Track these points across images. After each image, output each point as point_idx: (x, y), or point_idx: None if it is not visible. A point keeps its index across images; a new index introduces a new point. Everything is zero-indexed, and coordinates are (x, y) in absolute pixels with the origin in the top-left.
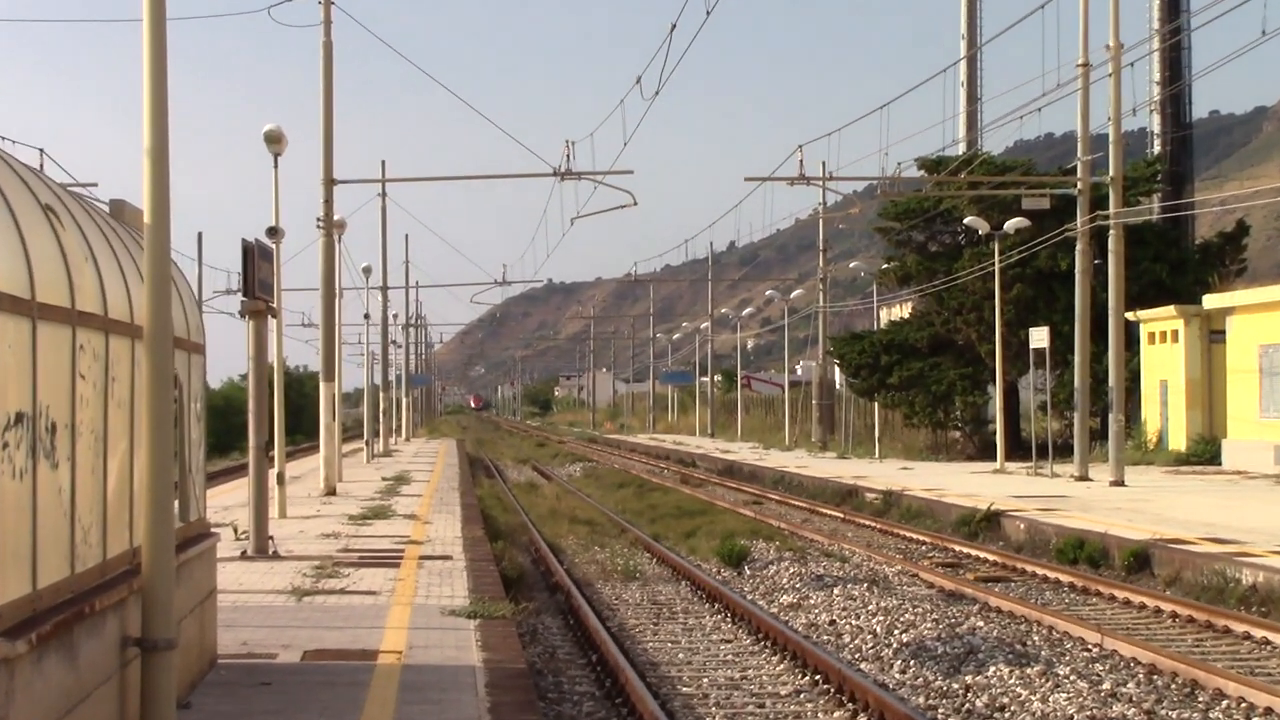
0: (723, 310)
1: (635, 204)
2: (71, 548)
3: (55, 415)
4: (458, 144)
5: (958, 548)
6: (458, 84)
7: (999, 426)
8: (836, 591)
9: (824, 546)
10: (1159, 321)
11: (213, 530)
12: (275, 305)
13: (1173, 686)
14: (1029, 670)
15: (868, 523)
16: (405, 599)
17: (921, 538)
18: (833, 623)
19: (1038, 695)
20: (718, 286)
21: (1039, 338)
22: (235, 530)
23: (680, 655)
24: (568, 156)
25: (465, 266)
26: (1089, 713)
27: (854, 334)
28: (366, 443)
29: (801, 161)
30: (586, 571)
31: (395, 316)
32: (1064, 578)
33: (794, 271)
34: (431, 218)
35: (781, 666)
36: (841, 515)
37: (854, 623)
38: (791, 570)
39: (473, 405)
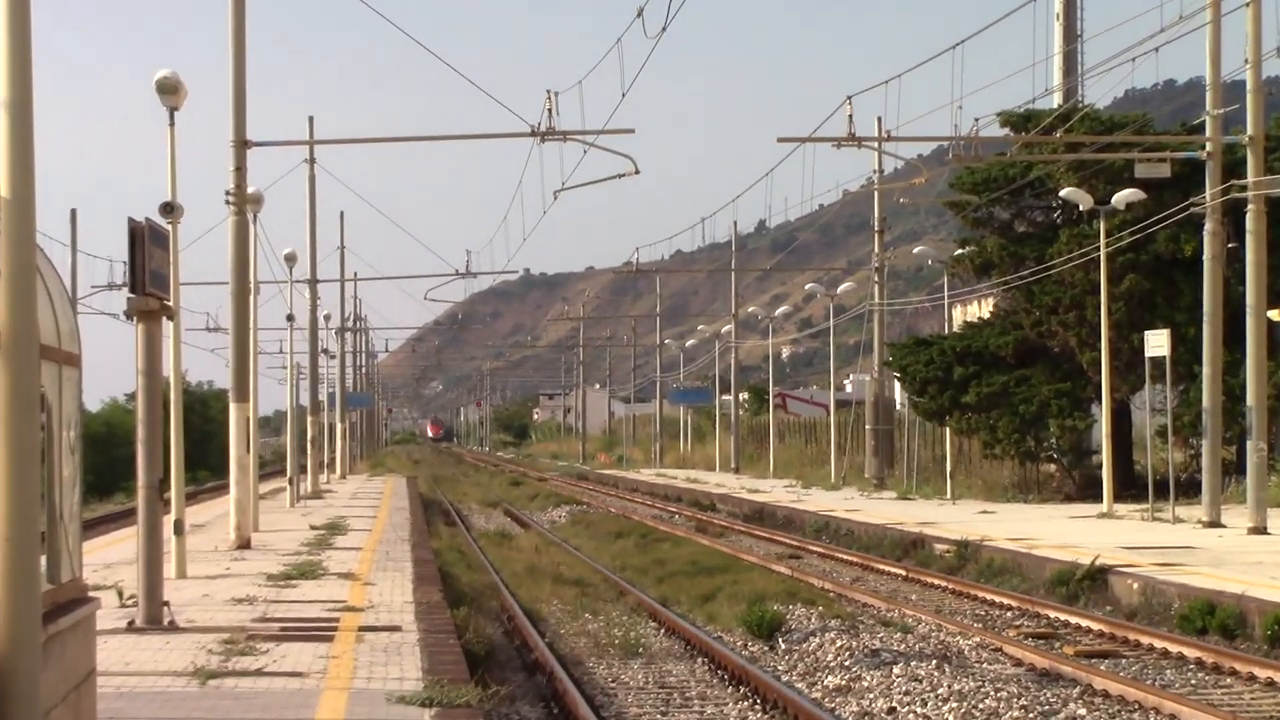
0: (750, 309)
1: (637, 172)
2: None
3: None
4: (408, 98)
5: (1053, 614)
6: (404, 17)
7: (1106, 458)
8: (897, 671)
9: (880, 613)
10: None
11: (91, 595)
12: (172, 304)
13: None
14: None
15: (937, 582)
16: (341, 682)
17: (1006, 601)
18: (892, 711)
19: None
20: (743, 279)
21: (1157, 344)
22: (120, 594)
23: None
24: (549, 111)
25: (418, 254)
26: None
27: (919, 339)
28: (290, 481)
29: (851, 117)
30: (575, 646)
31: (328, 318)
32: (1190, 652)
33: (841, 259)
34: (375, 193)
35: None
36: (903, 572)
37: (919, 710)
38: (839, 643)
39: (430, 434)
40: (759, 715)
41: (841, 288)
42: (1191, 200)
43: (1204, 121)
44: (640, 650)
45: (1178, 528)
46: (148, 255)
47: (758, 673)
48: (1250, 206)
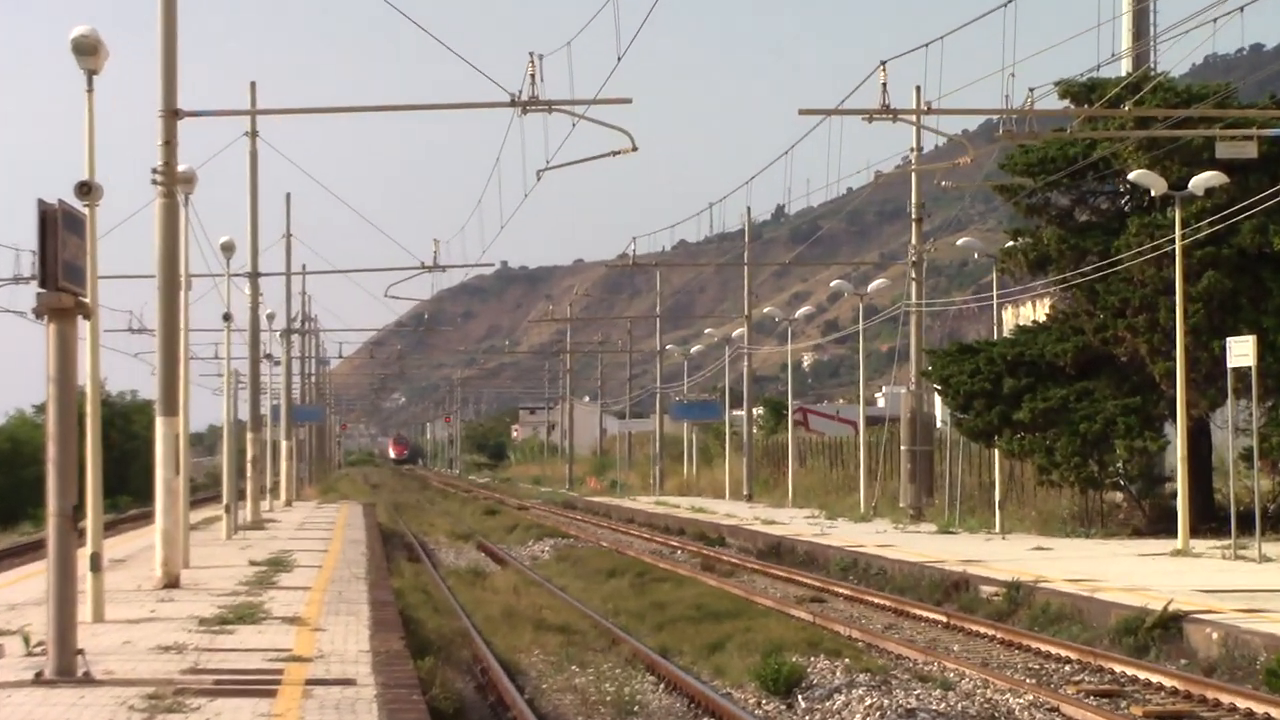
0: (765, 309)
1: (634, 149)
2: None
3: None
4: (368, 65)
5: (1118, 668)
6: None
7: (1181, 485)
8: None
9: (917, 666)
10: None
11: None
12: (89, 300)
13: None
14: None
15: (983, 630)
16: None
17: (1064, 653)
18: None
19: None
20: (758, 274)
21: (1241, 352)
22: (26, 640)
23: None
24: (532, 77)
25: (378, 244)
26: None
27: (963, 346)
28: (227, 509)
29: (885, 86)
30: (559, 703)
31: (271, 317)
32: (1278, 713)
33: (872, 252)
34: (329, 174)
35: None
36: (944, 619)
37: None
38: (868, 702)
39: (392, 454)
40: None
41: (873, 285)
42: None
43: None
44: (636, 709)
45: (1265, 568)
46: (60, 243)
47: None
48: None
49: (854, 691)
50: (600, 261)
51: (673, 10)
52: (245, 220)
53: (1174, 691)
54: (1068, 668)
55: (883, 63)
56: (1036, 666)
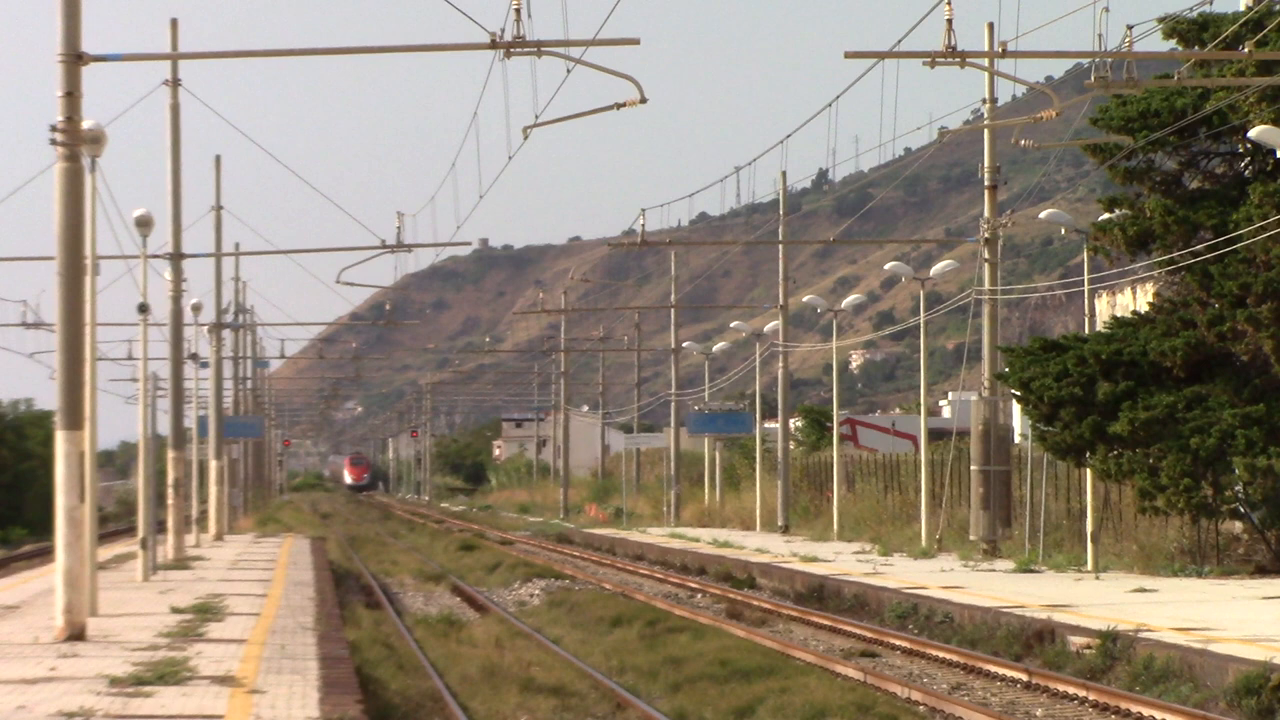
0: (805, 298)
1: (643, 101)
2: None
3: None
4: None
5: None
6: None
7: None
8: None
9: None
10: None
11: None
12: None
13: None
14: None
15: (1072, 690)
16: None
17: (1171, 718)
18: None
19: None
20: (795, 255)
21: None
22: None
23: None
24: (517, 13)
25: (329, 218)
26: None
27: (1047, 342)
28: (144, 544)
29: (950, 23)
30: None
31: (197, 309)
32: None
33: (935, 226)
34: (269, 134)
35: None
36: (1024, 677)
37: None
38: None
39: (349, 478)
40: None
41: (936, 268)
42: None
43: None
44: None
45: None
46: None
47: None
48: None
49: None
50: (601, 240)
51: None
52: (166, 190)
53: None
54: None
55: None
56: None
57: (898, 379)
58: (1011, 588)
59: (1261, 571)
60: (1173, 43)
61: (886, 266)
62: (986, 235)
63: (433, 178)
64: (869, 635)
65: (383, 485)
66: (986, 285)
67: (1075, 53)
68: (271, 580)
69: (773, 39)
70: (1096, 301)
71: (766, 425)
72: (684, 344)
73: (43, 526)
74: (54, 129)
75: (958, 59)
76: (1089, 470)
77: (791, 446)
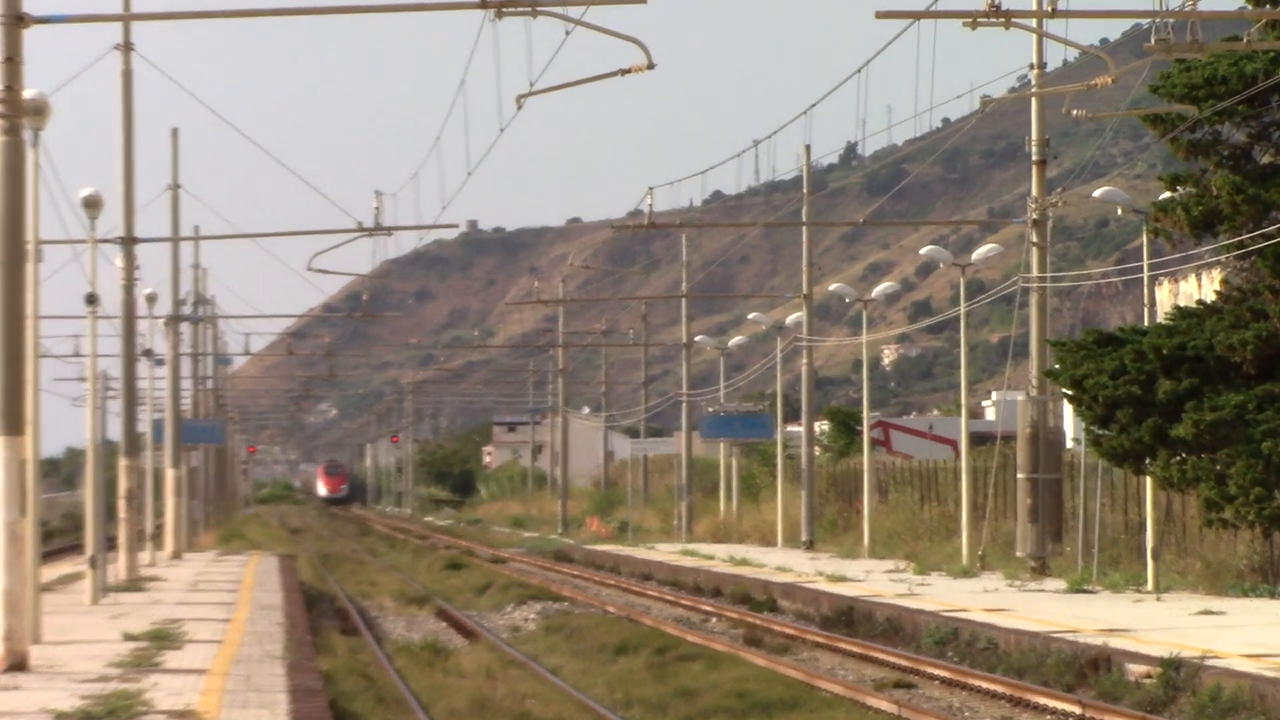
0: (832, 287)
1: (650, 66)
2: None
3: None
4: None
5: None
6: None
7: None
8: None
9: None
10: None
11: None
12: None
13: None
14: None
15: None
16: None
17: None
18: None
19: None
20: (822, 238)
21: None
22: None
23: None
24: None
25: (299, 198)
26: None
27: (1102, 335)
28: (93, 563)
29: None
30: None
31: (153, 300)
32: None
33: (977, 206)
34: (233, 105)
35: None
36: (1077, 709)
37: None
38: None
39: (324, 489)
40: None
41: (979, 253)
42: None
43: None
44: None
45: None
46: None
47: None
48: None
49: None
50: (604, 222)
51: None
52: (117, 167)
53: None
54: None
55: None
56: None
57: (935, 377)
58: (1063, 610)
59: None
60: (1242, 1)
61: (922, 251)
62: (1034, 216)
63: (415, 153)
64: (904, 664)
65: (364, 499)
66: (1034, 272)
67: (1133, 12)
68: (235, 603)
69: None
70: (1157, 290)
71: (789, 429)
72: (697, 338)
73: None
74: None
75: (1002, 19)
76: (1149, 478)
77: (817, 453)
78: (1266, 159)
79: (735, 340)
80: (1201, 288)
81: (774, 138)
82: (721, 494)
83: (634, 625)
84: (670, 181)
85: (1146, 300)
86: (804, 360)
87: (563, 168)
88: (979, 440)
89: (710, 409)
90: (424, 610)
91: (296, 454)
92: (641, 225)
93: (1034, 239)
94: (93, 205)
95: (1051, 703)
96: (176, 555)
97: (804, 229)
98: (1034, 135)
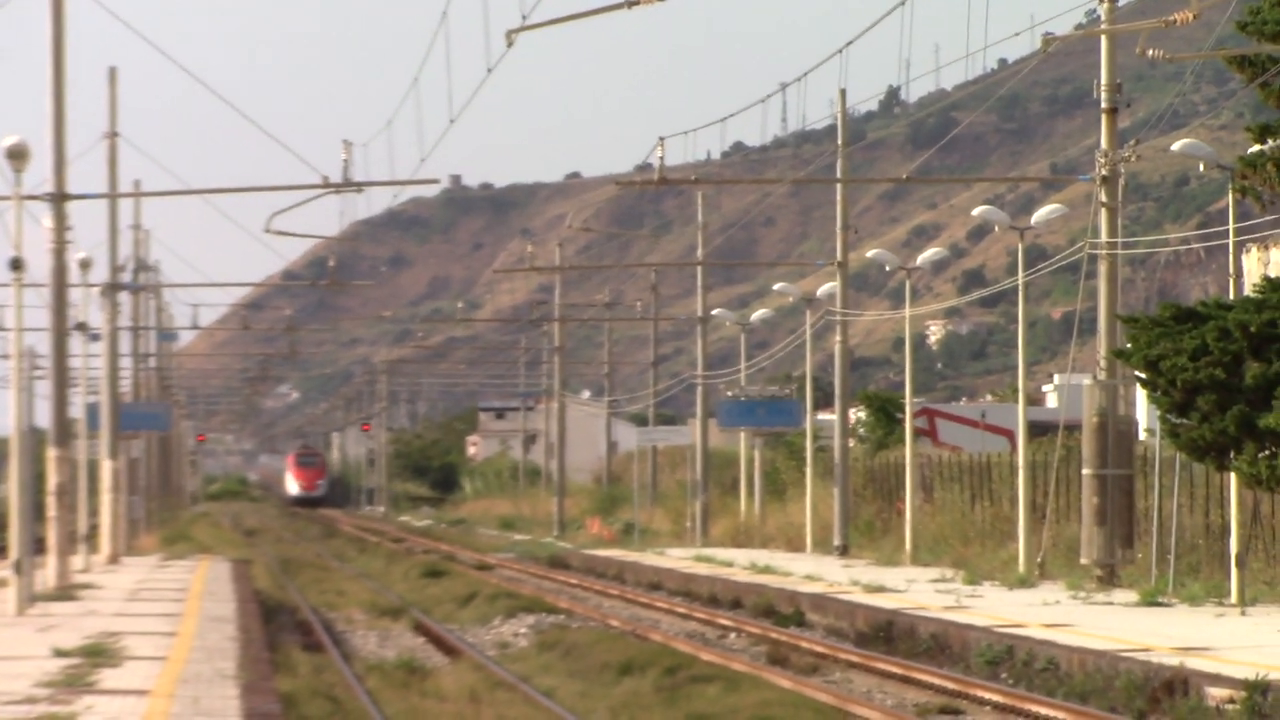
0: (870, 253)
1: None
2: None
3: None
4: None
5: None
6: None
7: None
8: None
9: None
10: None
11: None
12: None
13: None
14: None
15: None
16: None
17: None
18: None
19: None
20: (859, 197)
21: None
22: None
23: None
24: None
25: (255, 149)
26: None
27: (1181, 310)
28: (18, 568)
29: None
30: None
31: (87, 265)
32: None
33: (1038, 160)
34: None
35: None
36: None
37: None
38: None
39: (296, 487)
40: None
41: (1039, 214)
42: None
43: None
44: None
45: None
46: None
47: None
48: None
49: None
50: (608, 177)
51: None
52: (46, 113)
53: None
54: None
55: None
56: None
57: (988, 357)
58: (1133, 625)
59: None
60: None
61: (975, 212)
62: (1104, 173)
63: (390, 98)
64: (951, 687)
65: (343, 497)
66: (1104, 237)
67: None
68: (182, 615)
69: None
70: (1244, 258)
71: (820, 417)
72: (714, 311)
73: None
74: None
75: None
76: (1234, 475)
77: (852, 444)
78: None
79: (758, 314)
80: None
81: (804, 80)
82: (742, 491)
83: (640, 642)
84: (684, 131)
85: (1232, 270)
86: (837, 337)
87: (560, 115)
88: (1039, 431)
89: (729, 393)
90: (399, 623)
91: (252, 443)
92: (651, 181)
93: (1103, 199)
94: (17, 156)
95: None
96: (114, 559)
97: (838, 186)
98: (1103, 79)
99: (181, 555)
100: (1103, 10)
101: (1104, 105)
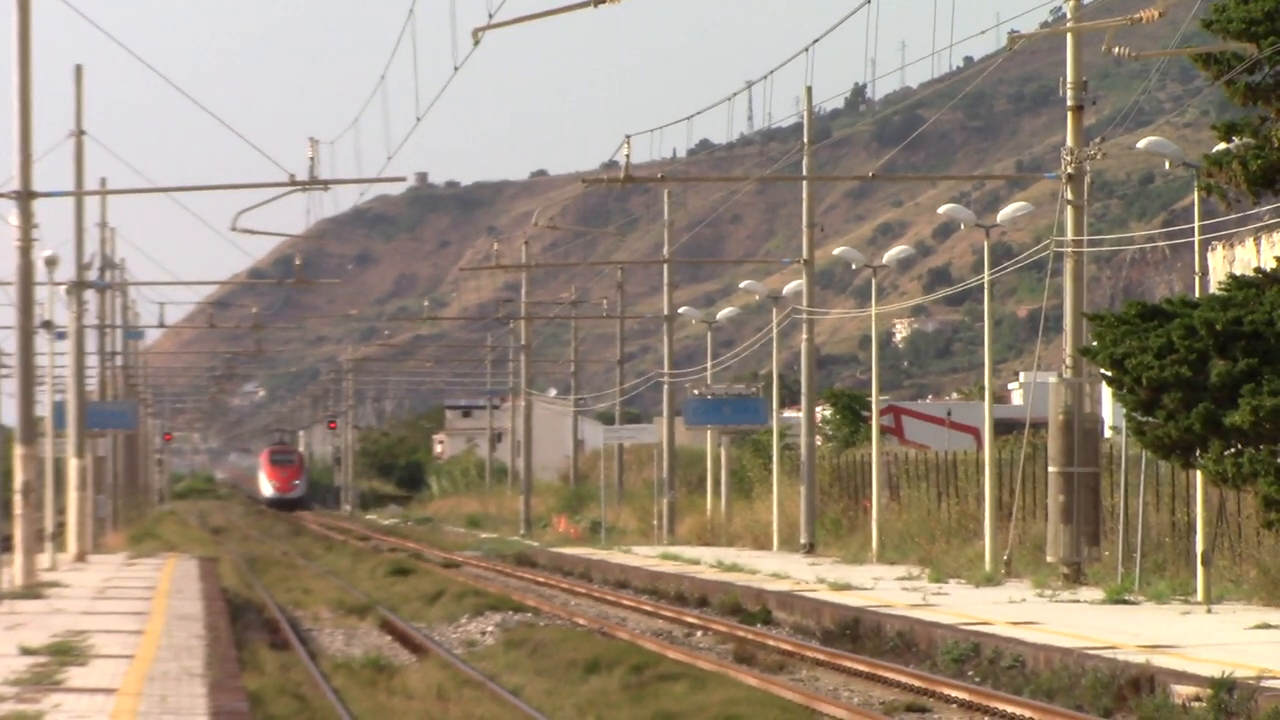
0: (836, 250)
1: None
2: None
3: None
4: None
5: None
6: None
7: None
8: None
9: None
10: None
11: None
12: None
13: None
14: None
15: None
16: None
17: None
18: None
19: None
20: (825, 194)
21: None
22: None
23: None
24: None
25: (222, 147)
26: None
27: (1146, 308)
28: None
29: None
30: None
31: (53, 264)
32: None
33: (1003, 158)
34: (146, 39)
35: None
36: None
37: None
38: None
39: (271, 488)
40: None
41: (1005, 212)
42: None
43: None
44: None
45: None
46: None
47: None
48: None
49: None
50: (574, 175)
51: None
52: (11, 109)
53: None
54: None
55: None
56: None
57: (954, 355)
58: (1100, 623)
59: None
60: None
61: (941, 210)
62: (1069, 170)
63: (356, 96)
64: (917, 684)
65: (322, 497)
66: (1069, 235)
67: None
68: (149, 613)
69: None
70: (1210, 256)
71: (786, 415)
72: (680, 309)
73: None
74: None
75: None
76: (1199, 473)
77: (818, 442)
78: None
79: (725, 312)
80: (1261, 254)
81: (770, 78)
82: (709, 490)
83: (607, 640)
84: (651, 129)
85: (1198, 268)
86: (804, 335)
87: (527, 113)
88: (1005, 429)
89: (696, 391)
90: (365, 622)
91: (219, 441)
92: (617, 179)
93: (1069, 196)
94: None
95: None
96: (81, 557)
97: (804, 184)
98: (1069, 77)
99: (148, 553)
100: (1068, 8)
101: (1069, 103)
